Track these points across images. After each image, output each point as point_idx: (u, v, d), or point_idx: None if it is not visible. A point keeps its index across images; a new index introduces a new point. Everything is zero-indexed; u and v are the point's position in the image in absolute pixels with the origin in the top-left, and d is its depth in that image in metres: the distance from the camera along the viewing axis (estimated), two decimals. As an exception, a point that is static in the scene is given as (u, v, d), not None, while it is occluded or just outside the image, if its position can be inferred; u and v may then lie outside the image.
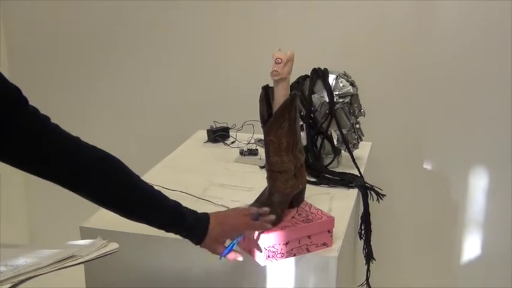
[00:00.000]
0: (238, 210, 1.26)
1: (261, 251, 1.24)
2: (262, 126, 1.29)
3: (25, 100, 1.00)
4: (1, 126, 0.96)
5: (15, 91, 0.99)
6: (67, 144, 1.06)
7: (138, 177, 1.15)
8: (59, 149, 1.04)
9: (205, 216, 1.19)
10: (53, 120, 1.06)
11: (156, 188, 1.18)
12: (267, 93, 1.28)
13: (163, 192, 1.18)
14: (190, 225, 1.16)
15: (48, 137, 1.03)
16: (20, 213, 2.88)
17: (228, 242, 1.22)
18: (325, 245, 1.31)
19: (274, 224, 1.26)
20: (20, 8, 2.63)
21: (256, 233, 1.24)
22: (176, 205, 1.17)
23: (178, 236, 1.19)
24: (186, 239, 1.19)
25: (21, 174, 1.08)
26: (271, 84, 1.28)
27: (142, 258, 1.41)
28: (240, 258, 1.21)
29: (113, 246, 1.08)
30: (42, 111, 1.05)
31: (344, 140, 1.76)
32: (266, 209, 1.25)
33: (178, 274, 1.39)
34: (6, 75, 0.97)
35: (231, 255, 1.20)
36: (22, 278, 0.93)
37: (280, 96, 1.24)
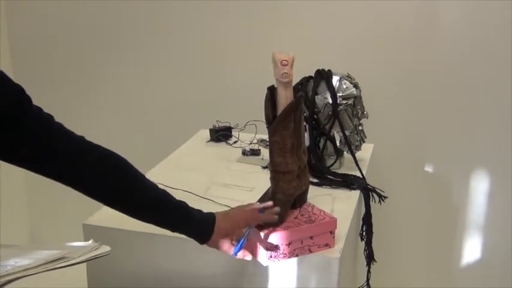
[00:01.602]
0: (242, 206, 1.26)
1: (268, 248, 1.24)
2: (267, 127, 1.29)
3: (29, 99, 1.00)
4: (6, 126, 0.96)
5: (19, 91, 0.98)
6: (72, 142, 1.05)
7: (143, 176, 1.14)
8: (65, 148, 1.03)
9: (211, 214, 1.19)
10: (55, 119, 1.06)
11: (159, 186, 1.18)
12: (272, 94, 1.27)
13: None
14: (197, 223, 1.16)
15: (53, 135, 1.03)
16: (21, 211, 2.88)
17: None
18: (327, 245, 1.31)
19: (277, 224, 1.26)
20: (22, 7, 2.63)
21: (262, 233, 1.24)
22: (182, 204, 1.17)
23: (180, 235, 1.18)
24: (192, 239, 1.18)
25: (22, 172, 1.07)
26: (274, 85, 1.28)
27: (144, 257, 1.41)
28: (249, 258, 1.21)
29: (105, 249, 1.07)
30: (45, 109, 1.04)
31: (347, 141, 1.76)
32: (269, 203, 1.25)
33: (181, 273, 1.39)
34: (9, 74, 0.97)
35: (240, 254, 1.20)
36: (9, 278, 0.93)
37: (285, 97, 1.25)
